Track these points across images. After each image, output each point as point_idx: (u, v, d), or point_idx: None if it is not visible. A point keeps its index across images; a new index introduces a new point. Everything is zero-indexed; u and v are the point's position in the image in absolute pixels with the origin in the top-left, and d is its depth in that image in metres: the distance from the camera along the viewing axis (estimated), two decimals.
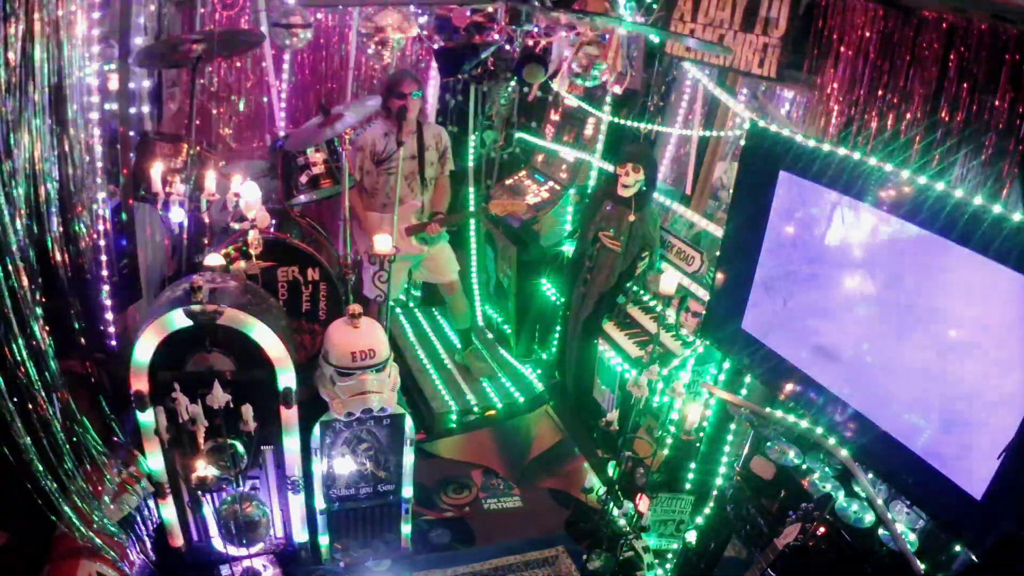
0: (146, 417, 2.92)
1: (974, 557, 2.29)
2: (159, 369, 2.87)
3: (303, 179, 4.27)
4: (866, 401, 2.64)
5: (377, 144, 4.37)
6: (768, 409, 3.09)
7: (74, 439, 2.81)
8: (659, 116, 4.49)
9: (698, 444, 3.58)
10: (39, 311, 2.69)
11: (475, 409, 4.81)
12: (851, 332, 2.70)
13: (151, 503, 3.27)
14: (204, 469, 2.91)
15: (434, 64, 5.07)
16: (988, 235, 2.13)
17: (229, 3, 4.80)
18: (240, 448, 3.04)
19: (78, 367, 3.15)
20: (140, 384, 2.86)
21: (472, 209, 5.37)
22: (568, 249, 4.92)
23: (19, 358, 2.55)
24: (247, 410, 2.85)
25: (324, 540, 3.52)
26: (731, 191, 3.68)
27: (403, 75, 4.28)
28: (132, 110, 4.08)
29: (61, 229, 3.03)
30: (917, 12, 2.72)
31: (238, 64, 5.09)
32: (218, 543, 3.35)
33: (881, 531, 2.63)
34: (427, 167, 4.44)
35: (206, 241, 4.11)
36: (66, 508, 2.69)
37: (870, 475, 2.73)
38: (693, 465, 3.64)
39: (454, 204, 5.27)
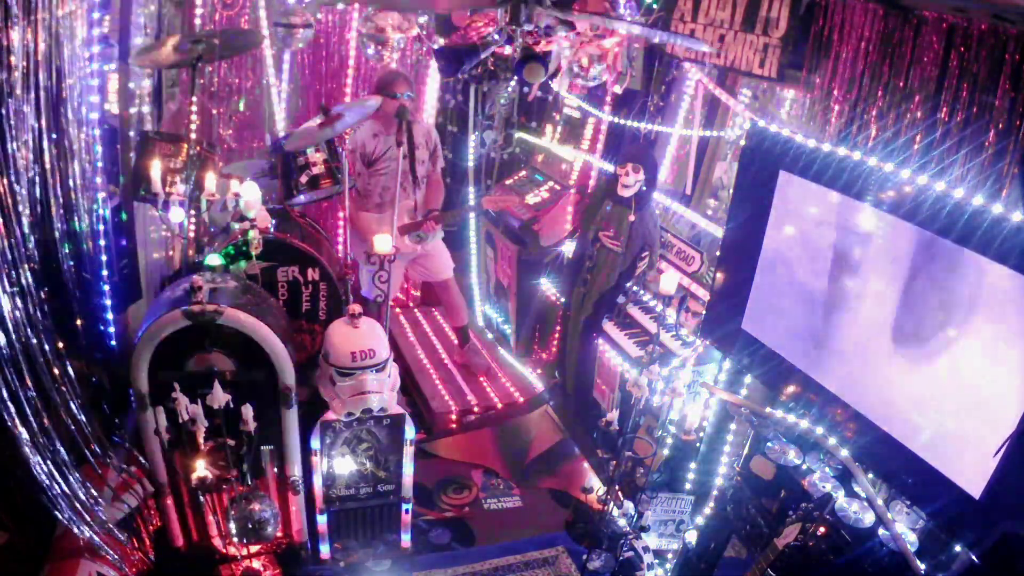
0: (146, 417, 2.92)
1: (974, 557, 2.29)
2: (159, 369, 2.87)
3: (303, 179, 4.27)
4: (866, 401, 2.64)
5: (367, 145, 4.38)
6: (768, 409, 3.09)
7: (74, 439, 2.82)
8: (659, 116, 4.49)
9: (698, 444, 3.58)
10: (42, 310, 2.69)
11: (475, 409, 4.81)
12: (851, 332, 2.70)
13: (151, 503, 3.26)
14: (204, 469, 2.92)
15: (434, 64, 5.07)
16: (988, 235, 2.13)
17: (229, 3, 4.80)
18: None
19: (78, 367, 3.15)
20: (140, 384, 2.86)
21: (470, 204, 5.38)
22: (568, 249, 4.92)
23: (21, 358, 2.55)
24: (247, 410, 2.85)
25: (324, 540, 3.52)
26: (731, 191, 3.69)
27: (395, 76, 4.29)
28: (132, 110, 4.08)
29: (62, 229, 3.04)
30: (917, 12, 2.72)
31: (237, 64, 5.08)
32: (218, 543, 3.35)
33: (881, 531, 2.63)
34: (418, 165, 4.45)
35: (206, 241, 4.12)
36: (66, 508, 2.69)
37: (870, 475, 2.74)
38: (693, 465, 3.64)
39: (454, 203, 5.28)
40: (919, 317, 2.42)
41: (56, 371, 2.76)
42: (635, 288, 4.28)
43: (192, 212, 3.86)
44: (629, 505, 3.56)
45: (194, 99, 3.97)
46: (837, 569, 2.62)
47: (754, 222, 3.05)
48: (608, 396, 4.39)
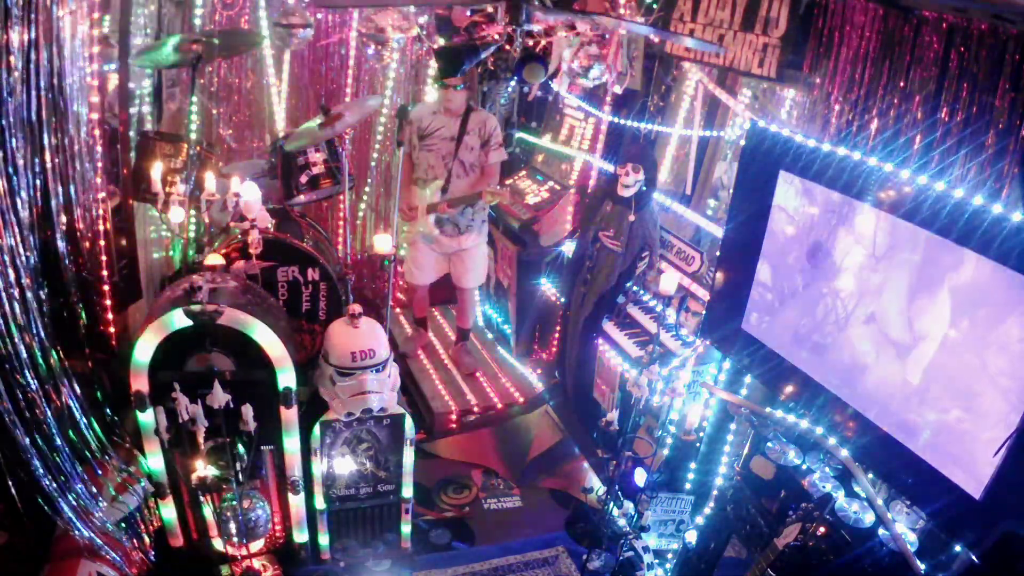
0: (146, 417, 2.92)
1: (974, 557, 2.29)
2: (159, 369, 2.87)
3: (303, 179, 4.28)
4: (866, 401, 2.64)
5: (423, 120, 4.52)
6: (768, 409, 3.09)
7: (74, 439, 2.82)
8: (659, 116, 4.49)
9: (698, 444, 3.58)
10: (41, 310, 2.69)
11: (475, 409, 4.81)
12: (851, 332, 2.70)
13: (151, 503, 3.26)
14: (204, 469, 2.92)
15: (433, 63, 5.07)
16: (988, 235, 2.13)
17: (229, 3, 4.80)
18: (240, 448, 3.05)
19: (78, 367, 3.15)
20: (140, 384, 2.86)
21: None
22: (568, 249, 4.92)
23: (20, 358, 2.55)
24: (247, 410, 2.85)
25: (324, 540, 3.52)
26: (731, 191, 3.69)
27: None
28: (132, 110, 4.08)
29: (62, 229, 3.03)
30: (917, 12, 2.72)
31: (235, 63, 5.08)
32: (218, 543, 3.35)
33: (881, 531, 2.63)
34: (464, 151, 4.52)
35: (206, 241, 4.12)
36: (66, 508, 2.69)
37: (870, 475, 2.74)
38: (693, 465, 3.64)
39: None
40: (920, 316, 2.42)
41: (56, 371, 2.76)
42: (635, 288, 4.28)
43: (192, 212, 3.86)
44: (629, 505, 3.56)
45: (194, 99, 3.97)
46: (837, 569, 2.62)
47: (754, 222, 3.05)
48: (608, 396, 4.40)
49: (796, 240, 2.91)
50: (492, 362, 5.32)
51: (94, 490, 2.89)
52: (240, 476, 3.07)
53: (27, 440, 2.53)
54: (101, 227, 3.57)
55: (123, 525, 3.08)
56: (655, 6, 4.10)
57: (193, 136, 3.95)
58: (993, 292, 2.17)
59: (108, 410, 3.26)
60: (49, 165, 2.88)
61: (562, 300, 4.94)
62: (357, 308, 3.21)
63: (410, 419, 3.36)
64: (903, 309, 2.47)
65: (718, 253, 3.46)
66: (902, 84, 2.80)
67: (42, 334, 2.68)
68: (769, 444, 3.06)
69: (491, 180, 4.64)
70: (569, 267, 4.81)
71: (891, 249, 2.49)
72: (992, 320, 2.19)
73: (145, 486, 3.19)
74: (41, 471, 2.59)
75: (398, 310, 5.88)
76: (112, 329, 3.76)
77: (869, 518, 2.68)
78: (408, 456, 3.42)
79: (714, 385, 3.55)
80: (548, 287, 5.09)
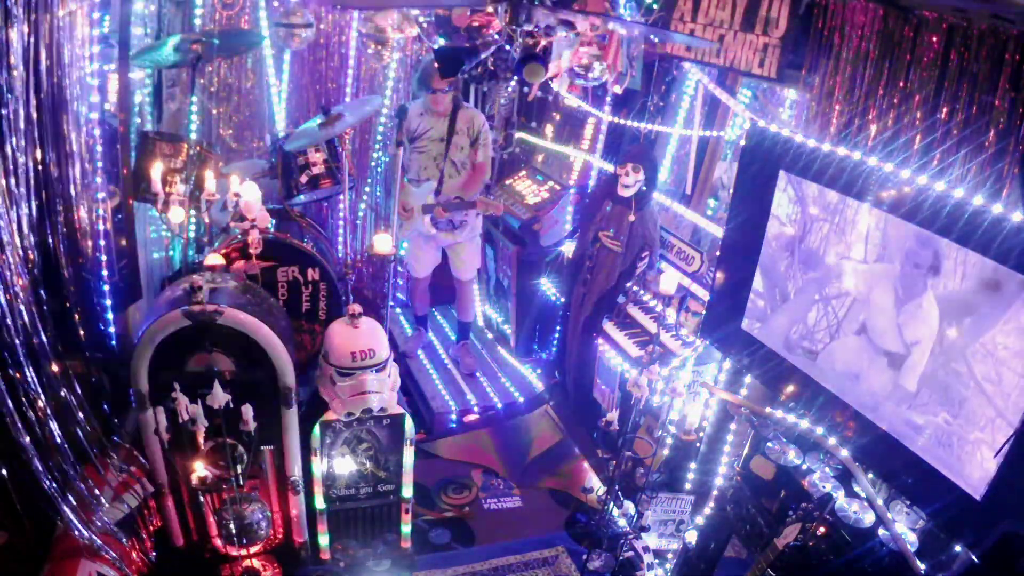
0: (146, 417, 2.92)
1: (974, 557, 2.29)
2: (159, 369, 2.87)
3: (303, 179, 4.28)
4: (865, 401, 2.64)
5: (412, 122, 4.53)
6: (768, 409, 3.09)
7: (74, 439, 2.81)
8: (659, 116, 4.49)
9: (698, 444, 3.58)
10: (41, 310, 2.69)
11: (475, 409, 4.81)
12: (851, 331, 2.70)
13: (151, 503, 3.26)
14: (204, 469, 2.92)
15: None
16: (988, 235, 2.13)
17: (229, 3, 4.80)
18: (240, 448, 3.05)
19: (78, 367, 3.15)
20: (140, 384, 2.86)
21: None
22: (568, 249, 4.92)
23: (20, 358, 2.55)
24: (247, 410, 2.85)
25: (324, 540, 3.52)
26: (731, 191, 3.69)
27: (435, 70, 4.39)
28: (132, 110, 4.08)
29: (62, 230, 3.03)
30: (917, 12, 2.72)
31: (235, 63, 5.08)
32: (218, 543, 3.35)
33: (881, 531, 2.63)
34: (455, 151, 4.53)
35: (206, 241, 4.11)
36: (66, 508, 2.69)
37: (870, 475, 2.74)
38: (693, 465, 3.64)
39: None
40: (919, 317, 2.42)
41: (56, 371, 2.76)
42: (635, 288, 4.28)
43: (192, 212, 3.86)
44: (629, 505, 3.56)
45: (194, 99, 3.97)
46: (837, 569, 2.62)
47: (754, 222, 3.05)
48: (608, 396, 4.40)
49: (797, 240, 2.91)
50: (492, 362, 5.32)
51: (95, 490, 2.90)
52: (240, 476, 3.07)
53: (27, 440, 2.53)
54: (101, 227, 3.56)
55: (123, 525, 3.08)
56: (655, 6, 4.10)
57: (193, 136, 3.95)
58: (992, 292, 2.17)
59: (108, 410, 3.26)
60: (49, 165, 2.87)
61: (562, 300, 4.94)
62: (357, 308, 3.21)
63: (410, 419, 3.36)
64: (901, 307, 2.47)
65: (718, 253, 3.46)
66: (902, 84, 2.80)
67: (42, 334, 2.68)
68: (769, 444, 3.06)
69: (482, 176, 4.67)
70: (569, 267, 4.81)
71: (890, 248, 2.49)
72: (990, 320, 2.18)
73: (145, 486, 3.19)
74: (41, 471, 2.58)
75: (398, 310, 5.88)
76: (112, 329, 3.76)
77: (869, 518, 2.68)
78: (408, 456, 3.42)
79: (714, 385, 3.54)
80: (548, 287, 5.09)
